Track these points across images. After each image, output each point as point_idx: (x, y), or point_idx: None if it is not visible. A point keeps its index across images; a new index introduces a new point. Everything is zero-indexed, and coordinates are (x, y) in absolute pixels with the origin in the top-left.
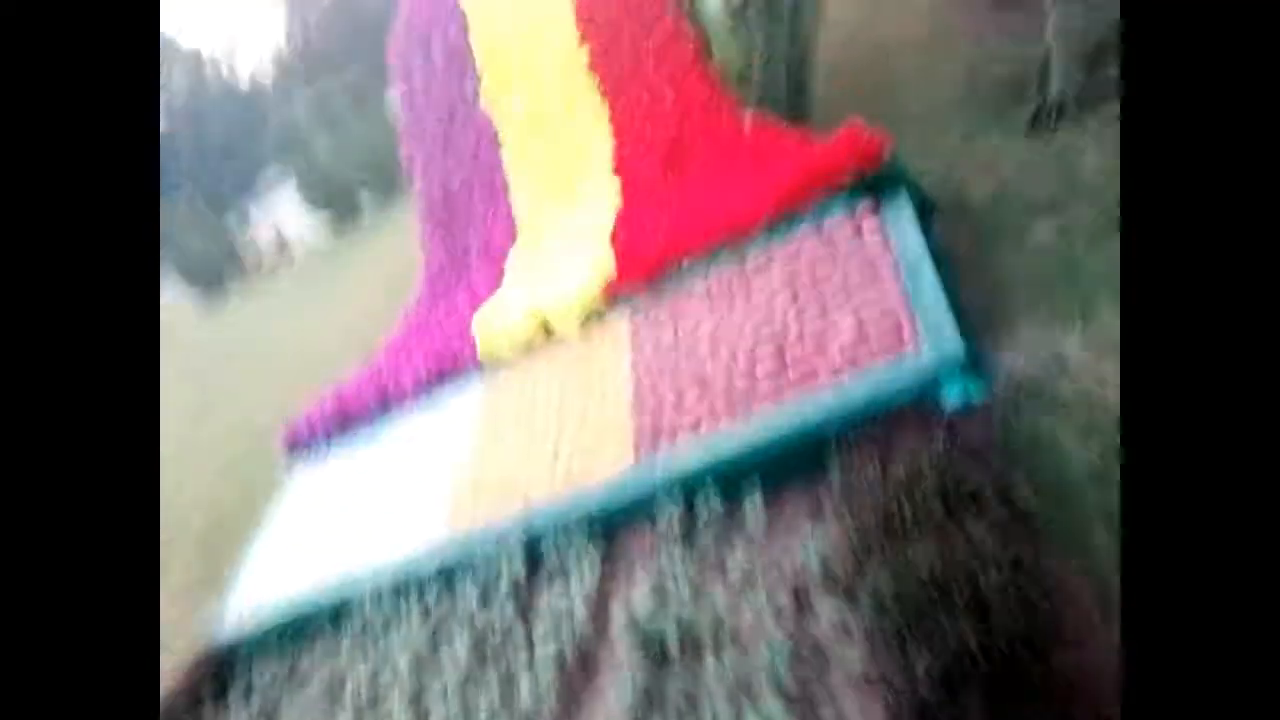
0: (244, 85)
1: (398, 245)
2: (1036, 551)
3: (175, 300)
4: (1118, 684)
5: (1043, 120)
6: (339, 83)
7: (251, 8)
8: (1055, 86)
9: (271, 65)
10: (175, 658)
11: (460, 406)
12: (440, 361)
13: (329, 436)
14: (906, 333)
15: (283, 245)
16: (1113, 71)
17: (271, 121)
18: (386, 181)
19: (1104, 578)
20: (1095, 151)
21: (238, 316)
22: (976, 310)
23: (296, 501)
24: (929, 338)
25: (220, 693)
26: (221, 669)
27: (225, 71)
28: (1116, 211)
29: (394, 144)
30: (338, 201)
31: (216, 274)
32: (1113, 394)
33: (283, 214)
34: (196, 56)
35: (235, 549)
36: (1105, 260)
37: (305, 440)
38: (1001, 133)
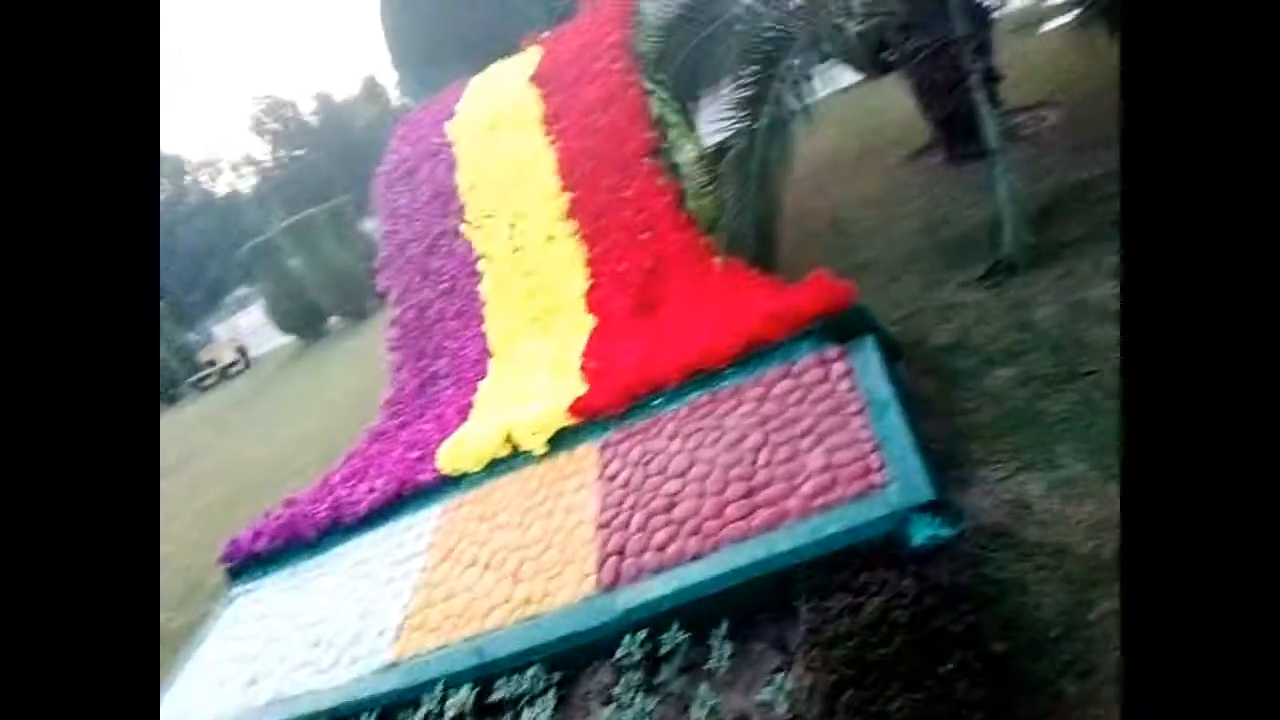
0: (221, 197)
1: (361, 368)
2: (1009, 698)
3: None
4: None
5: (996, 275)
6: (321, 210)
7: (238, 122)
8: (1005, 245)
9: (253, 181)
10: None
11: (416, 527)
12: (400, 482)
13: (274, 554)
14: (875, 472)
15: (245, 364)
16: (1058, 234)
17: (247, 238)
18: (357, 308)
19: None
20: (1049, 303)
21: (192, 427)
22: (941, 453)
23: (230, 622)
24: (897, 477)
25: None
26: None
27: (206, 181)
28: (1074, 361)
29: (368, 272)
30: (306, 325)
31: (171, 389)
32: (1079, 540)
33: (247, 332)
34: (178, 163)
35: (164, 667)
36: (1064, 407)
37: (248, 557)
38: (959, 284)
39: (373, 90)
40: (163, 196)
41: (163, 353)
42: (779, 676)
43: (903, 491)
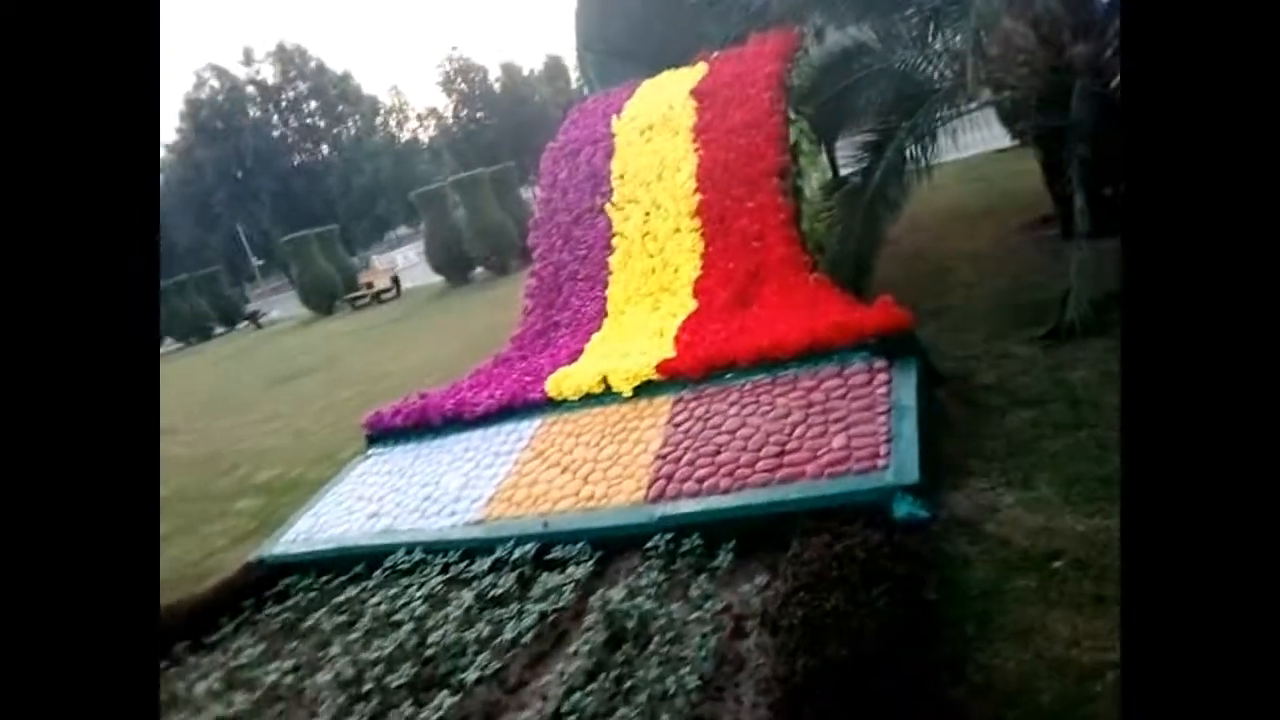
0: (402, 143)
1: (496, 313)
2: (923, 626)
3: (287, 314)
4: None
5: (1053, 337)
6: (489, 170)
7: (428, 77)
8: (1069, 314)
9: (432, 132)
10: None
11: (519, 431)
12: (513, 395)
13: (406, 430)
14: (881, 458)
15: (397, 292)
16: (1119, 315)
17: (417, 183)
18: (502, 263)
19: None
20: (1085, 367)
21: (342, 336)
22: (948, 464)
23: (364, 473)
24: (895, 464)
25: (257, 598)
26: (262, 579)
27: (393, 125)
28: (1083, 416)
29: (518, 233)
30: (455, 270)
31: (329, 300)
32: (1020, 538)
33: (402, 266)
34: (374, 104)
35: (299, 498)
36: (1059, 448)
37: (385, 427)
38: (1018, 340)
39: (554, 70)
40: (352, 132)
41: (328, 271)
42: (762, 583)
43: (896, 473)
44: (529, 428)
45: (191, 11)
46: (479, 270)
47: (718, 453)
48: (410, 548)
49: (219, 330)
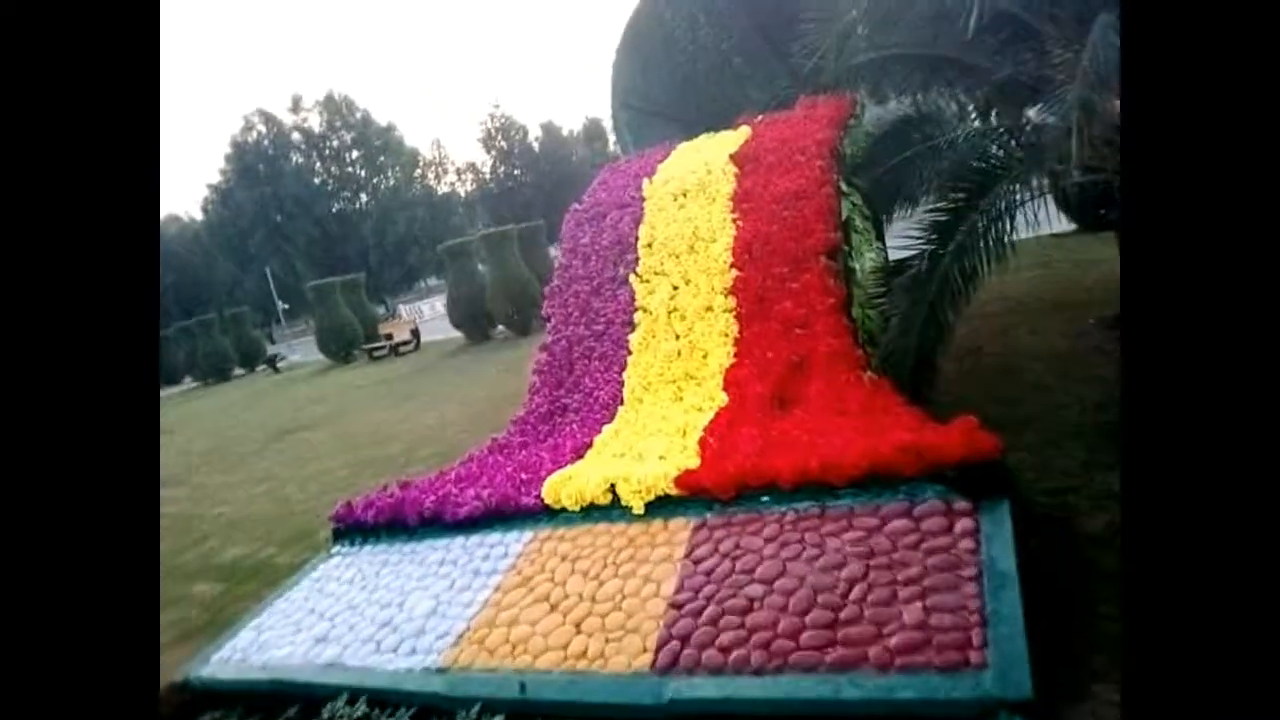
0: (439, 196)
1: (509, 378)
2: None
3: (308, 359)
4: None
5: None
6: (517, 228)
7: (469, 131)
8: None
9: (469, 187)
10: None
11: (505, 546)
12: (503, 498)
13: (377, 528)
14: (973, 649)
15: (415, 345)
16: None
17: (450, 235)
18: (522, 324)
19: None
20: None
21: (351, 390)
22: (1057, 653)
23: (322, 577)
24: (996, 664)
25: None
26: (185, 706)
27: (430, 178)
28: None
29: (541, 294)
30: (476, 326)
31: (347, 349)
32: None
33: (427, 317)
34: (414, 156)
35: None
36: None
37: (355, 523)
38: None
39: (593, 132)
40: (390, 183)
41: (349, 315)
42: None
43: (999, 681)
44: (517, 541)
45: (246, 59)
46: (499, 329)
47: (748, 610)
48: (356, 694)
49: (238, 372)
